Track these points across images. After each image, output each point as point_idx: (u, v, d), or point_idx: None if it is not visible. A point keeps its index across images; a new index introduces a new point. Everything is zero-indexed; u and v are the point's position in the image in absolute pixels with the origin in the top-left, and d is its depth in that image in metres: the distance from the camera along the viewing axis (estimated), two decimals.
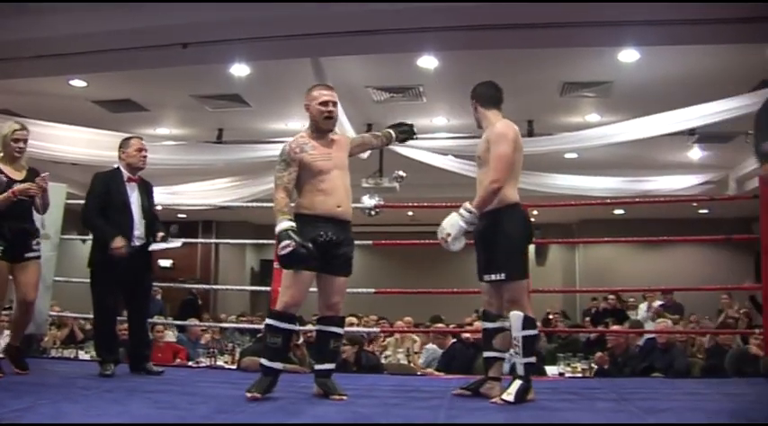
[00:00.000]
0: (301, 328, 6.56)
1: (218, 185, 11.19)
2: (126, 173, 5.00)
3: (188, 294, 14.10)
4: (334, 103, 4.09)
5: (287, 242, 3.73)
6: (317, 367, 4.09)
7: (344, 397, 3.87)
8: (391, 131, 4.55)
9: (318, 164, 3.97)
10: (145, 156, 5.07)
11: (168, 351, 7.68)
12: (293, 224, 3.82)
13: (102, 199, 4.92)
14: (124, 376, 4.83)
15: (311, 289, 4.08)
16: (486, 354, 4.10)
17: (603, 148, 9.35)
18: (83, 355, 7.53)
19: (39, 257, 4.75)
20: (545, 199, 9.81)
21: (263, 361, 3.91)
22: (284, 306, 3.91)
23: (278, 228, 3.80)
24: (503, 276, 3.82)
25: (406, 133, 4.61)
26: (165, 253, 5.13)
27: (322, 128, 4.07)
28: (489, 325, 4.07)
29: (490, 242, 3.86)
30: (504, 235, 3.83)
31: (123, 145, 5.07)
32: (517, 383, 3.74)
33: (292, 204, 4.05)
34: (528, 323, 3.81)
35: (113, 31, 6.13)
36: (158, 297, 11.20)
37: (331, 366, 4.08)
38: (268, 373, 3.88)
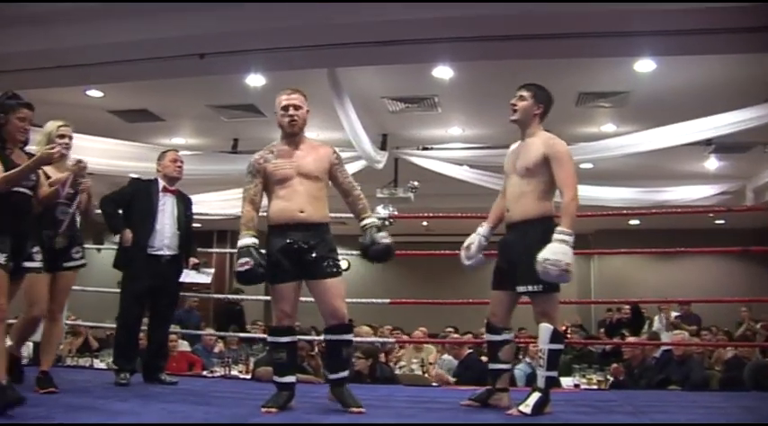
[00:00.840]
0: (315, 338, 6.57)
1: (233, 195, 11.20)
2: (162, 183, 5.13)
3: (228, 303, 13.95)
4: (295, 107, 3.99)
5: (246, 259, 3.76)
6: (331, 376, 4.01)
7: (362, 410, 3.79)
8: (368, 226, 4.03)
9: (279, 172, 3.93)
10: (180, 167, 5.23)
11: (183, 361, 7.67)
12: (255, 240, 3.85)
13: (124, 200, 5.09)
14: (139, 385, 4.85)
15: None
16: (492, 366, 4.07)
17: (619, 159, 9.31)
18: (98, 364, 7.55)
19: (79, 266, 4.55)
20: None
21: (275, 378, 3.90)
22: (277, 320, 3.93)
23: (239, 243, 3.85)
24: (540, 287, 3.74)
25: (375, 247, 3.99)
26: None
27: (287, 132, 4.02)
28: (494, 338, 4.03)
29: (526, 253, 3.76)
30: (543, 247, 3.77)
31: (160, 157, 5.25)
32: (536, 395, 3.70)
33: (265, 213, 4.03)
34: (556, 336, 3.76)
35: (130, 41, 6.17)
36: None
37: (344, 374, 3.99)
38: (283, 388, 3.86)
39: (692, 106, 7.92)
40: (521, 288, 3.82)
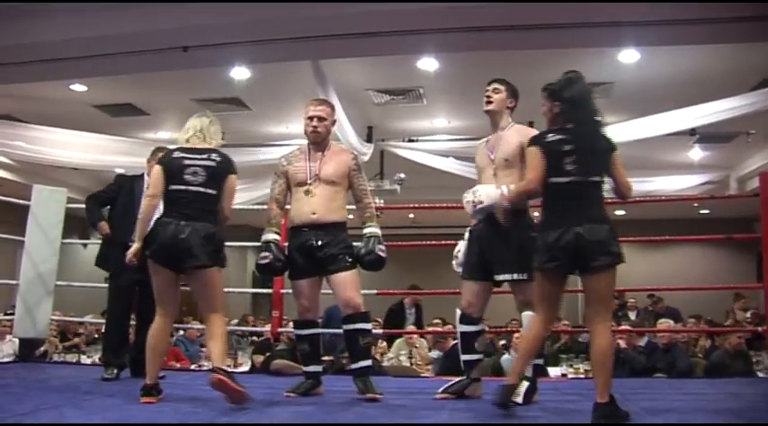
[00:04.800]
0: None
1: None
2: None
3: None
4: (319, 118, 4.19)
5: (266, 254, 4.10)
6: (352, 366, 4.16)
7: (378, 396, 3.93)
8: (369, 235, 4.21)
9: (298, 175, 4.15)
10: None
11: (170, 355, 7.65)
12: (277, 237, 4.16)
13: (108, 197, 5.11)
14: (126, 380, 4.82)
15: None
16: (468, 357, 4.11)
17: None
18: (84, 360, 7.51)
19: None
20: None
21: (303, 367, 4.25)
22: (298, 314, 4.24)
23: (262, 239, 4.17)
24: (525, 276, 3.81)
25: (369, 257, 4.16)
26: None
27: (310, 140, 4.23)
28: (470, 329, 4.08)
29: (506, 241, 3.83)
30: (526, 235, 3.81)
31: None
32: (524, 384, 3.72)
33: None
34: None
35: (114, 34, 6.13)
36: None
37: (365, 363, 4.10)
38: (307, 376, 4.19)
39: (675, 96, 7.96)
40: (504, 277, 3.88)
